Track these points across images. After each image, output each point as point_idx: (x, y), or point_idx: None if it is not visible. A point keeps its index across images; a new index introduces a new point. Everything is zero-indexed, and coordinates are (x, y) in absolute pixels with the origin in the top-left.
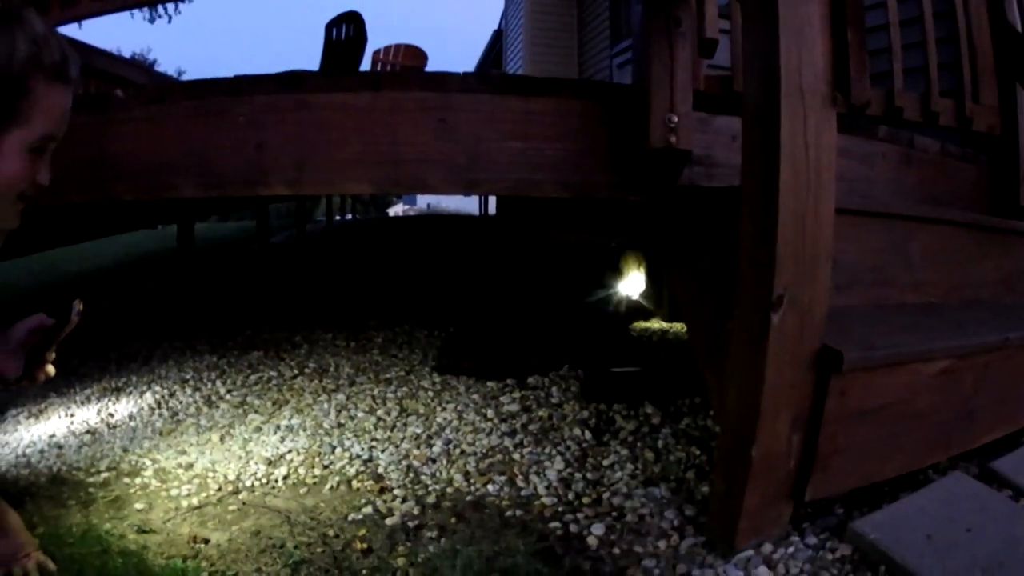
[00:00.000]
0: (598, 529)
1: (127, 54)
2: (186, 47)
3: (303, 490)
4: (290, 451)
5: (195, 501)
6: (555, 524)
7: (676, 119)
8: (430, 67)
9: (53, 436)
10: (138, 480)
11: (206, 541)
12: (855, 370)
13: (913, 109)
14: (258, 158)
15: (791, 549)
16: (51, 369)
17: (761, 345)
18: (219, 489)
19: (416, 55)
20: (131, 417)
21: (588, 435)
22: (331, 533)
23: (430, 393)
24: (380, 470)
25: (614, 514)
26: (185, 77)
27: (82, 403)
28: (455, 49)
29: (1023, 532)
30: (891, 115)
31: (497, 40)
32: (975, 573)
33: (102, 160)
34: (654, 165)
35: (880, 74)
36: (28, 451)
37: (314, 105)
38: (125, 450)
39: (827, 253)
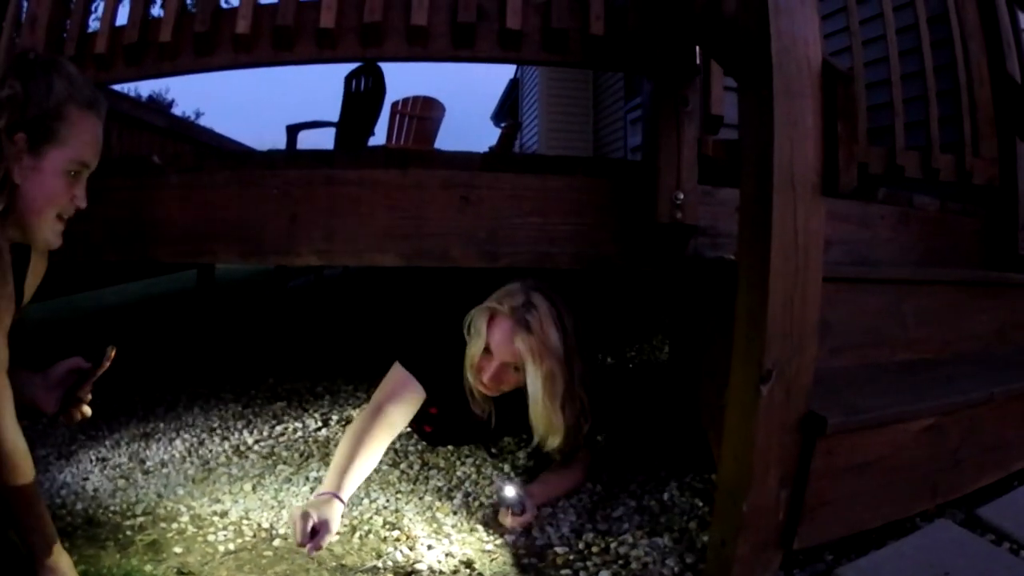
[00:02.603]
0: None
1: (144, 95)
2: (204, 88)
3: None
4: None
5: (231, 547)
6: (566, 572)
7: (682, 196)
8: (447, 118)
9: (87, 479)
10: (175, 525)
11: None
12: (839, 432)
13: (914, 167)
14: (291, 229)
15: None
16: (87, 410)
17: (752, 413)
18: (254, 536)
19: (434, 106)
20: (163, 464)
21: (599, 488)
22: None
23: (449, 447)
24: (406, 521)
25: (620, 562)
26: (203, 119)
27: (112, 447)
28: (472, 99)
29: (1001, 573)
30: (892, 173)
31: (513, 89)
32: None
33: (140, 222)
34: (661, 238)
35: (881, 128)
36: (62, 492)
37: (343, 180)
38: (160, 495)
39: (813, 329)
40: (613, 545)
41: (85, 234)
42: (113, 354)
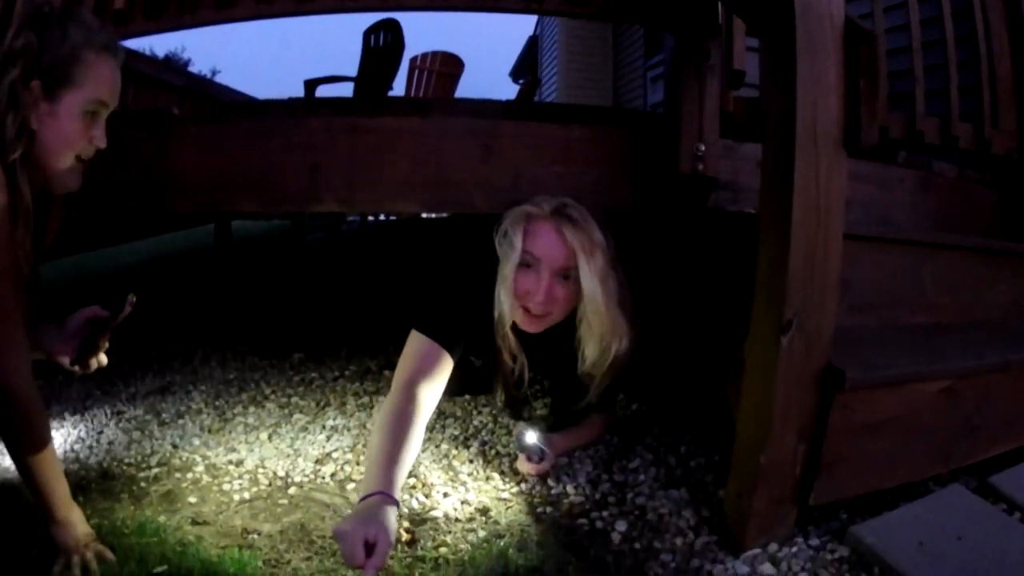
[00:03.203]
0: (621, 526)
1: (160, 54)
2: (220, 46)
3: (350, 486)
4: (336, 449)
5: (246, 495)
6: (582, 520)
7: (704, 148)
8: (465, 75)
9: (102, 433)
10: (189, 475)
11: (258, 532)
12: (857, 388)
13: (933, 133)
14: (312, 178)
15: (794, 549)
16: (103, 358)
17: (772, 364)
18: (269, 484)
19: (453, 62)
20: (179, 415)
21: (616, 439)
22: None
23: (467, 397)
24: (422, 468)
25: (636, 513)
26: (219, 77)
27: (127, 401)
28: (490, 56)
29: (1011, 544)
30: (912, 138)
31: (532, 46)
32: None
33: (160, 174)
34: (683, 190)
35: (901, 95)
36: (76, 447)
37: (365, 128)
38: (175, 446)
39: (834, 283)
40: (629, 496)
41: (105, 187)
42: (134, 299)
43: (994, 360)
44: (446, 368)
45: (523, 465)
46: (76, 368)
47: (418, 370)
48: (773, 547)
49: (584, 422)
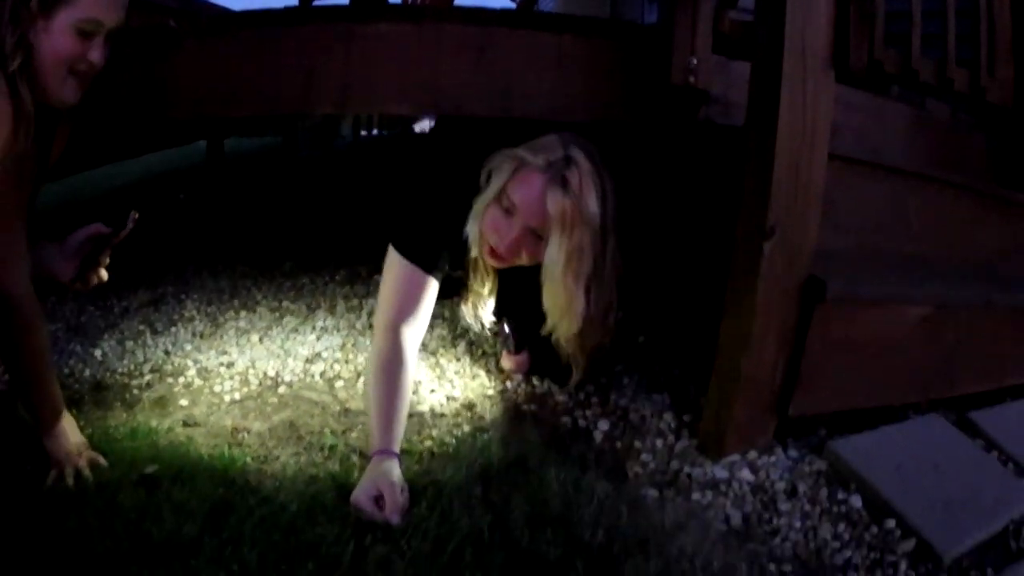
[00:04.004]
0: (603, 425)
1: None
2: None
3: (339, 384)
4: (326, 349)
5: (237, 396)
6: (565, 419)
7: (696, 61)
8: None
9: (95, 346)
10: (181, 379)
11: (248, 431)
12: (838, 302)
13: (928, 73)
14: (308, 83)
15: (773, 459)
16: (104, 274)
17: (754, 271)
18: (259, 384)
19: None
20: (171, 323)
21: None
22: (364, 422)
23: (455, 298)
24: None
25: (619, 414)
26: None
27: (121, 315)
28: None
29: (988, 482)
30: (906, 76)
31: None
32: (936, 506)
33: (158, 85)
34: (674, 102)
35: (898, 34)
36: (71, 362)
37: (360, 35)
38: (167, 353)
39: (817, 197)
40: (612, 397)
41: (104, 99)
42: (136, 218)
43: (977, 297)
44: (430, 295)
45: (506, 362)
46: (77, 285)
47: (401, 307)
48: (752, 455)
49: None
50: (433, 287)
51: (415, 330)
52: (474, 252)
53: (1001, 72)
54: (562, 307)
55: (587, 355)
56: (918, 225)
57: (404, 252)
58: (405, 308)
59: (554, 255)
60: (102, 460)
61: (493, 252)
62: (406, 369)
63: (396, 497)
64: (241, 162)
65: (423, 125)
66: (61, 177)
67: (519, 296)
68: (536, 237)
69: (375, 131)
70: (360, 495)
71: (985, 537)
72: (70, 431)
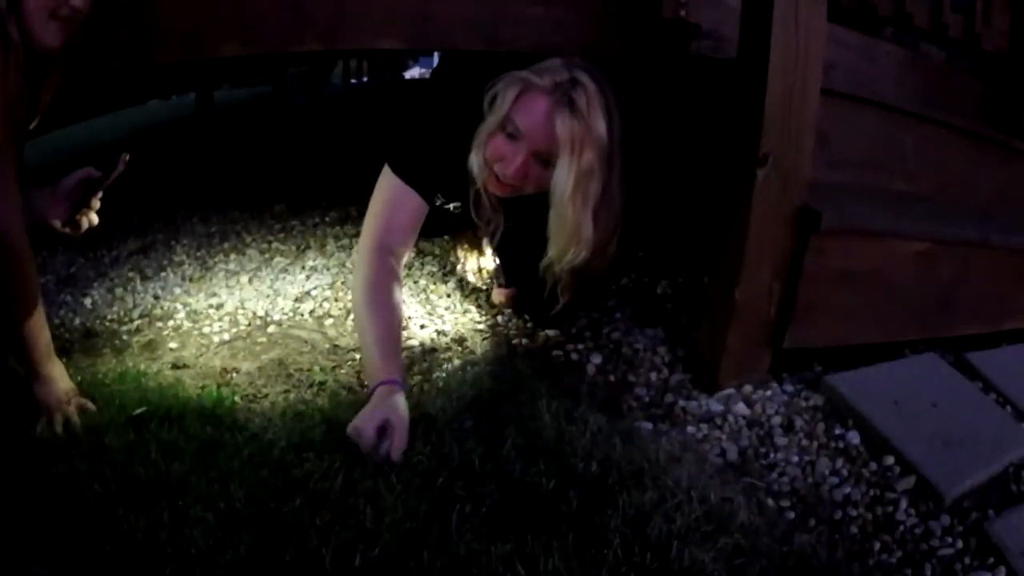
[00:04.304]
0: (596, 359)
1: None
2: None
3: (328, 322)
4: (315, 288)
5: (226, 336)
6: (557, 352)
7: None
8: None
9: (85, 295)
10: (171, 323)
11: (236, 371)
12: (833, 232)
13: (923, 17)
14: (295, 18)
15: (769, 393)
16: (94, 217)
17: (747, 198)
18: (248, 325)
19: None
20: (161, 268)
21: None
22: (354, 358)
23: (445, 237)
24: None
25: (611, 347)
26: None
27: (111, 264)
28: None
29: (986, 421)
30: (900, 19)
31: None
32: (935, 442)
33: (141, 29)
34: (665, 35)
35: None
36: (61, 312)
37: None
38: (156, 297)
39: (811, 125)
40: (605, 331)
41: (88, 46)
42: (127, 159)
43: (974, 235)
44: (419, 217)
45: (496, 295)
46: (67, 230)
47: (390, 227)
48: (747, 389)
49: None
50: (423, 210)
51: (402, 253)
52: (478, 183)
53: (997, 20)
54: (570, 233)
55: (577, 282)
56: (914, 164)
57: (399, 171)
58: (394, 229)
59: (563, 179)
60: (91, 405)
61: (498, 181)
62: (397, 291)
63: (405, 433)
64: (232, 111)
65: (413, 72)
66: (53, 129)
67: (519, 232)
68: (543, 162)
69: (365, 79)
70: (366, 425)
71: (985, 478)
72: (59, 378)
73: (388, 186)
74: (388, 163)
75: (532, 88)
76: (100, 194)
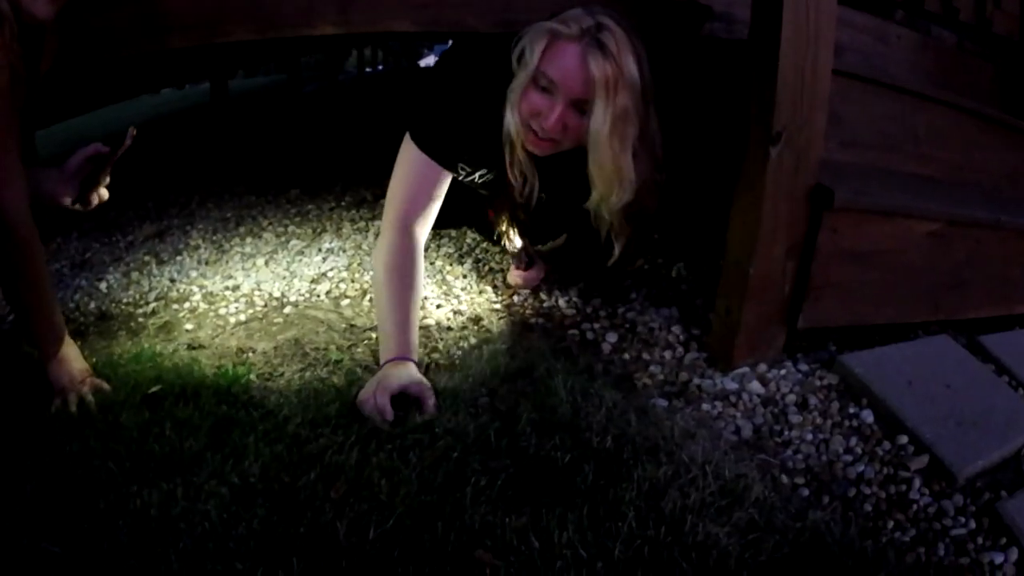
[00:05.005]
0: (612, 337)
1: None
2: None
3: (344, 302)
4: (332, 269)
5: (242, 318)
6: (573, 331)
7: None
8: None
9: (100, 279)
10: (186, 305)
11: (252, 350)
12: (846, 210)
13: (934, 1)
14: (308, 1)
15: (783, 371)
16: (104, 193)
17: (761, 176)
18: (264, 306)
19: None
20: (177, 252)
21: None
22: (371, 337)
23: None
24: None
25: (627, 326)
26: None
27: (126, 248)
28: None
29: (999, 402)
30: (912, 2)
31: None
32: (949, 423)
33: (155, 14)
34: (677, 17)
35: None
36: (76, 296)
37: None
38: (172, 280)
39: (823, 103)
40: (620, 311)
41: (102, 33)
42: (135, 132)
43: (986, 216)
44: (442, 189)
45: (513, 276)
46: (77, 206)
47: (413, 200)
48: (762, 368)
49: None
50: (445, 181)
51: (425, 227)
52: (518, 145)
53: (1007, 3)
54: (610, 176)
55: (631, 225)
56: (926, 146)
57: (419, 142)
58: (417, 203)
59: (600, 122)
60: (105, 386)
61: (537, 138)
62: (418, 268)
63: (430, 393)
64: (246, 100)
65: (428, 61)
66: (66, 119)
67: (559, 190)
68: (579, 112)
69: (380, 67)
70: (381, 395)
71: (998, 459)
72: (73, 358)
73: (409, 158)
74: (408, 133)
75: (560, 37)
76: (109, 170)
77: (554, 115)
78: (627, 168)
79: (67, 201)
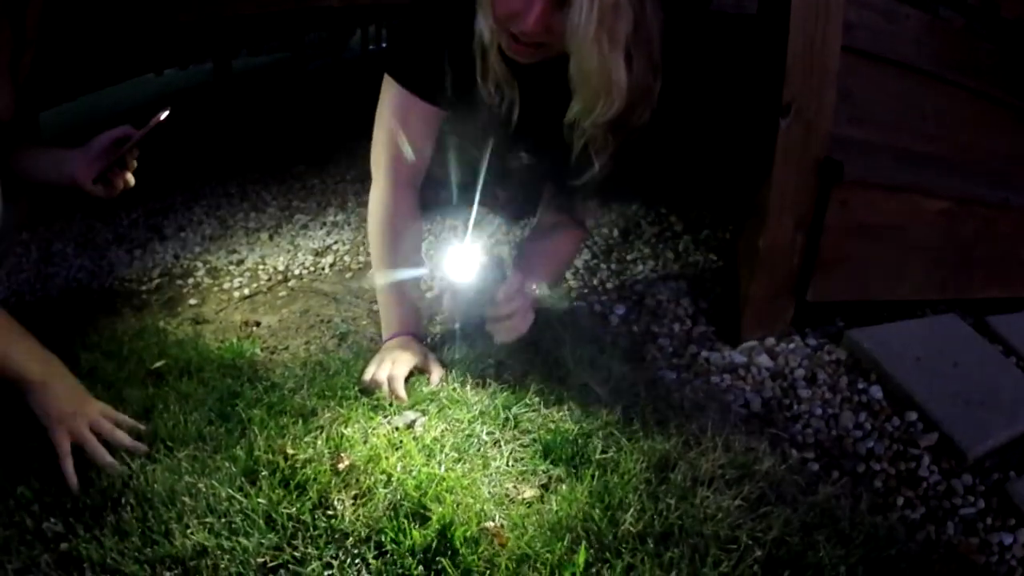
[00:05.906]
0: (620, 310)
1: None
2: None
3: (348, 275)
4: (336, 242)
5: (246, 292)
6: (580, 303)
7: None
8: None
9: (103, 257)
10: (190, 280)
11: (257, 324)
12: (856, 185)
13: None
14: None
15: (792, 345)
16: (131, 178)
17: (770, 147)
18: (269, 279)
19: None
20: (180, 228)
21: (616, 233)
22: (375, 308)
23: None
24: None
25: (634, 299)
26: None
27: (129, 226)
28: None
29: (1006, 382)
30: None
31: None
32: (957, 401)
33: None
34: None
35: None
36: (79, 275)
37: None
38: (176, 256)
39: (832, 77)
40: (628, 283)
41: (111, 10)
42: (163, 117)
43: (995, 196)
44: (431, 123)
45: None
46: (99, 188)
47: (400, 142)
48: (770, 341)
49: (553, 235)
50: (435, 118)
51: (418, 171)
52: (491, 52)
53: None
54: (596, 82)
55: (617, 139)
56: (934, 126)
57: (399, 77)
58: (406, 141)
59: (583, 15)
60: (127, 418)
61: (516, 41)
62: (415, 218)
63: (437, 365)
64: (250, 78)
65: None
66: (69, 100)
67: (543, 113)
68: (559, 5)
69: (383, 45)
70: (396, 384)
71: (1007, 439)
72: (59, 377)
73: (391, 95)
74: (386, 70)
75: None
76: (136, 152)
77: (533, 13)
78: (618, 72)
79: (89, 184)
